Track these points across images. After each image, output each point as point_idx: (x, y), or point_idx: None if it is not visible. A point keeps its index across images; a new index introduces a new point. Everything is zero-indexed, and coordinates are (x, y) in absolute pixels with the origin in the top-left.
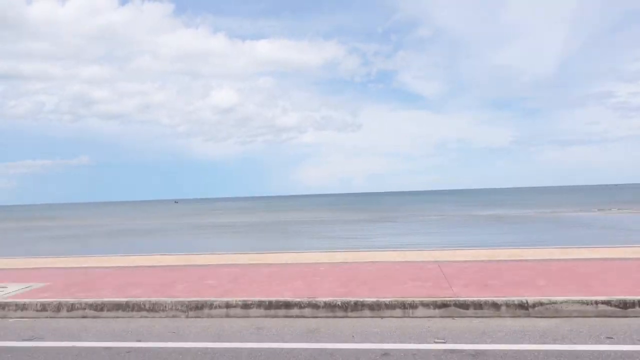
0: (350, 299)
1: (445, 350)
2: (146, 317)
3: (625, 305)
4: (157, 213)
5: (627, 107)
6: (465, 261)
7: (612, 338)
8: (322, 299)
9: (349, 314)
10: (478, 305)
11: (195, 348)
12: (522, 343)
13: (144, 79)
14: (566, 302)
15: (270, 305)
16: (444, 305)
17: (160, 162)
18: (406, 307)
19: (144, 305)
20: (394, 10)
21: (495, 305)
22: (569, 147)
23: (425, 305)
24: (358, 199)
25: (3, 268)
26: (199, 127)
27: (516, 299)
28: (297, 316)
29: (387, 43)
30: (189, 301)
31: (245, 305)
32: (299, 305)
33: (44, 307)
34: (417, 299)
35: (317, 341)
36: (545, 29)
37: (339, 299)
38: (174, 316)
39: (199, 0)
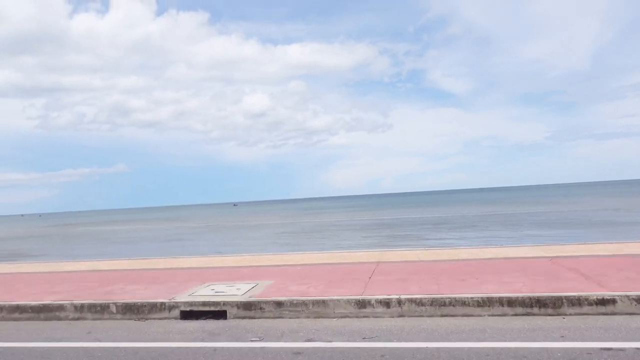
0: None
1: None
2: None
3: None
4: (264, 214)
5: None
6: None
7: None
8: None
9: None
10: None
11: None
12: None
13: (179, 87)
14: None
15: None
16: None
17: (193, 168)
18: None
19: None
20: (425, 9)
21: None
22: (605, 141)
23: None
24: (397, 200)
25: (226, 266)
26: (231, 132)
27: None
28: None
29: (418, 42)
30: None
31: None
32: None
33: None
34: None
35: None
36: (576, 21)
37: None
38: None
39: (234, 7)
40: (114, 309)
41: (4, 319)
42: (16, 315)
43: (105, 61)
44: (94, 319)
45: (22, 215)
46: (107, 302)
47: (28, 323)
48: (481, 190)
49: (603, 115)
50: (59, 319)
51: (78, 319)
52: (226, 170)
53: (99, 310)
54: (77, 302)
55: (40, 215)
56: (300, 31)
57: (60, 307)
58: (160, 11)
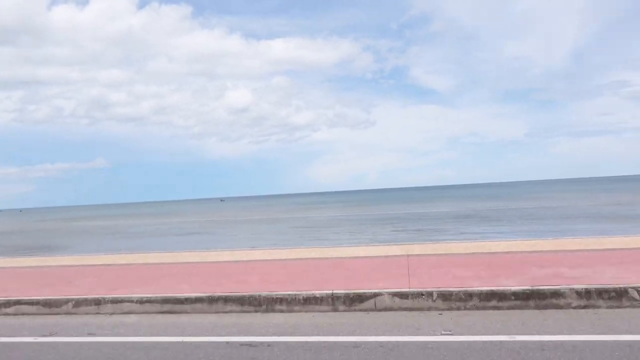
0: None
1: None
2: None
3: None
4: (253, 209)
5: None
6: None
7: None
8: None
9: None
10: None
11: None
12: None
13: (160, 81)
14: None
15: None
16: None
17: (174, 163)
18: None
19: None
20: (409, 6)
21: None
22: (583, 139)
23: None
24: (387, 195)
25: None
26: (213, 127)
27: None
28: None
29: (401, 39)
30: None
31: None
32: None
33: None
34: None
35: None
36: (557, 19)
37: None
38: None
39: (217, 1)
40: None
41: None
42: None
43: (85, 54)
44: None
45: (0, 210)
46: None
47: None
48: (465, 186)
49: (581, 113)
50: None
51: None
52: (208, 166)
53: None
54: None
55: (20, 211)
56: (284, 26)
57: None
58: (142, 4)
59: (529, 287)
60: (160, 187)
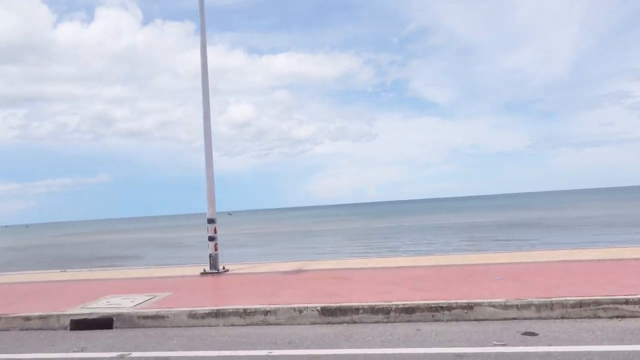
0: None
1: None
2: None
3: None
4: (274, 222)
5: None
6: None
7: None
8: None
9: None
10: None
11: None
12: None
13: (164, 97)
14: None
15: None
16: None
17: (177, 178)
18: None
19: None
20: (408, 20)
21: None
22: (585, 149)
23: None
24: (397, 207)
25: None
26: (216, 142)
27: None
28: None
29: (402, 52)
30: None
31: None
32: None
33: None
34: None
35: None
36: (556, 30)
37: None
38: None
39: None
40: None
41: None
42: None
43: (90, 71)
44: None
45: (5, 226)
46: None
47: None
48: (471, 198)
49: (583, 123)
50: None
51: None
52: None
53: None
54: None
55: (27, 226)
56: (285, 41)
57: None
58: (146, 21)
59: None
60: (163, 201)
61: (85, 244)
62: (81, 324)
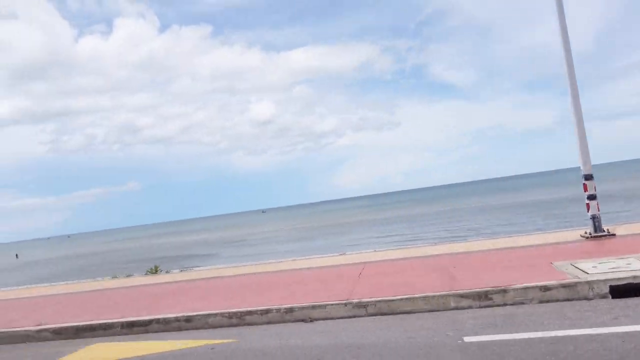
0: None
1: None
2: None
3: None
4: (320, 215)
5: None
6: None
7: None
8: None
9: None
10: None
11: None
12: None
13: (185, 101)
14: None
15: None
16: None
17: (203, 180)
18: None
19: None
20: (424, 3)
21: None
22: (615, 121)
23: None
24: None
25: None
26: (238, 141)
27: None
28: None
29: (419, 37)
30: None
31: None
32: None
33: None
34: None
35: None
36: (579, 2)
37: None
38: None
39: (235, 17)
40: None
41: None
42: None
43: (112, 81)
44: None
45: (48, 238)
46: None
47: None
48: (499, 179)
49: (611, 95)
50: None
51: None
52: (237, 180)
53: None
54: None
55: (69, 237)
56: (300, 35)
57: None
58: (163, 28)
59: None
60: (192, 204)
61: (155, 246)
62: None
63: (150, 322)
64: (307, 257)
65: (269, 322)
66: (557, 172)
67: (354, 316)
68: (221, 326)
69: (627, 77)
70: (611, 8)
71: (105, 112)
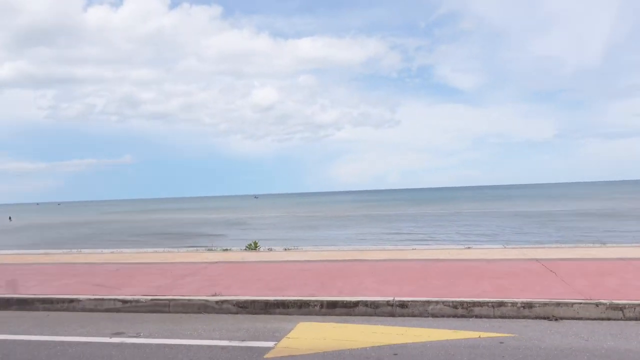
0: None
1: None
2: None
3: None
4: (314, 205)
5: None
6: None
7: None
8: None
9: None
10: None
11: None
12: None
13: (189, 80)
14: None
15: None
16: None
17: (199, 160)
18: None
19: None
20: (437, 4)
21: None
22: (615, 140)
23: None
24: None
25: None
26: (238, 125)
27: None
28: None
29: (429, 37)
30: None
31: None
32: None
33: None
34: None
35: None
36: (589, 16)
37: None
38: None
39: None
40: None
41: None
42: None
43: (118, 53)
44: None
45: (37, 204)
46: None
47: None
48: (494, 187)
49: (613, 113)
50: None
51: None
52: (232, 163)
53: None
54: None
55: (59, 204)
56: (310, 25)
57: None
58: (174, 4)
59: None
60: (186, 183)
61: (158, 221)
62: None
63: (356, 303)
64: (429, 247)
65: (502, 317)
66: (556, 185)
67: (608, 318)
68: (443, 316)
69: (630, 96)
70: (621, 25)
71: (108, 83)
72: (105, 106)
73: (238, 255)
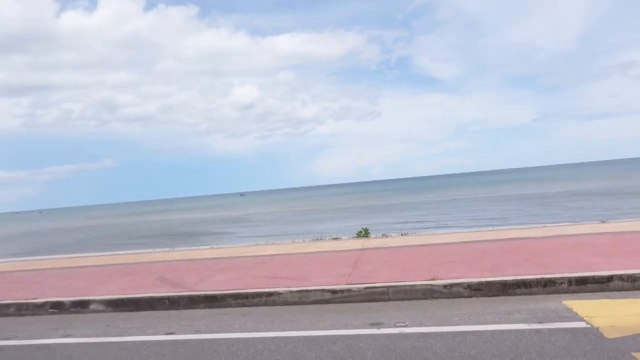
0: None
1: None
2: None
3: None
4: (310, 199)
5: None
6: None
7: None
8: None
9: None
10: None
11: None
12: None
13: (168, 81)
14: None
15: None
16: None
17: (181, 161)
18: None
19: None
20: None
21: None
22: (591, 122)
23: None
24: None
25: None
26: (219, 124)
27: None
28: None
29: (407, 29)
30: None
31: None
32: None
33: None
34: None
35: None
36: (564, 1)
37: None
38: None
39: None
40: None
41: None
42: None
43: (94, 58)
44: None
45: (17, 212)
46: None
47: None
48: (479, 174)
49: (589, 95)
50: None
51: None
52: (215, 163)
53: None
54: None
55: (40, 212)
56: (288, 21)
57: None
58: (149, 6)
59: None
60: (169, 185)
61: (146, 224)
62: None
63: (610, 278)
64: (558, 224)
65: None
66: (538, 168)
67: None
68: None
69: (604, 79)
70: (594, 10)
71: (84, 88)
72: (83, 111)
73: (372, 242)
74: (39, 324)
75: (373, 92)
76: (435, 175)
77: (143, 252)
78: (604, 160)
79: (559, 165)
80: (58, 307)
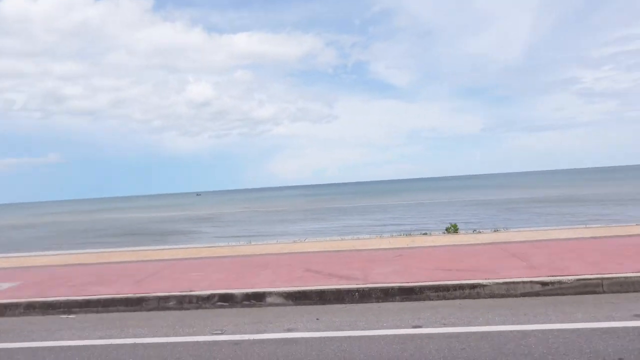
0: None
1: None
2: None
3: None
4: (270, 201)
5: (591, 93)
6: None
7: None
8: None
9: None
10: None
11: None
12: None
13: (119, 75)
14: None
15: None
16: None
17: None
18: None
19: None
20: (372, 1)
21: None
22: (537, 133)
23: None
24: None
25: None
26: (173, 121)
27: None
28: None
29: (364, 34)
30: None
31: None
32: None
33: None
34: None
35: None
36: (514, 16)
37: None
38: None
39: None
40: None
41: None
42: None
43: (40, 46)
44: None
45: None
46: None
47: None
48: (434, 179)
49: (535, 108)
50: None
51: None
52: (168, 161)
53: None
54: None
55: None
56: (246, 20)
57: None
58: None
59: None
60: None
61: (101, 222)
62: None
63: None
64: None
65: None
66: (486, 176)
67: None
68: None
69: (550, 93)
70: (541, 25)
71: (28, 77)
72: (27, 102)
73: (485, 236)
74: (238, 318)
75: (330, 96)
76: (391, 180)
77: (213, 246)
78: (550, 170)
79: (508, 173)
80: (228, 299)
